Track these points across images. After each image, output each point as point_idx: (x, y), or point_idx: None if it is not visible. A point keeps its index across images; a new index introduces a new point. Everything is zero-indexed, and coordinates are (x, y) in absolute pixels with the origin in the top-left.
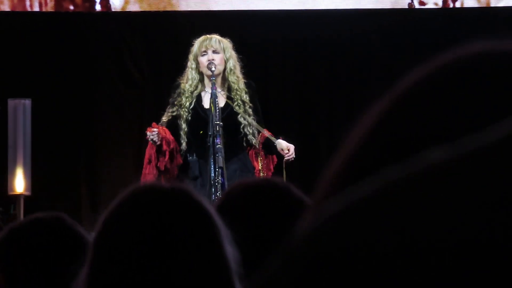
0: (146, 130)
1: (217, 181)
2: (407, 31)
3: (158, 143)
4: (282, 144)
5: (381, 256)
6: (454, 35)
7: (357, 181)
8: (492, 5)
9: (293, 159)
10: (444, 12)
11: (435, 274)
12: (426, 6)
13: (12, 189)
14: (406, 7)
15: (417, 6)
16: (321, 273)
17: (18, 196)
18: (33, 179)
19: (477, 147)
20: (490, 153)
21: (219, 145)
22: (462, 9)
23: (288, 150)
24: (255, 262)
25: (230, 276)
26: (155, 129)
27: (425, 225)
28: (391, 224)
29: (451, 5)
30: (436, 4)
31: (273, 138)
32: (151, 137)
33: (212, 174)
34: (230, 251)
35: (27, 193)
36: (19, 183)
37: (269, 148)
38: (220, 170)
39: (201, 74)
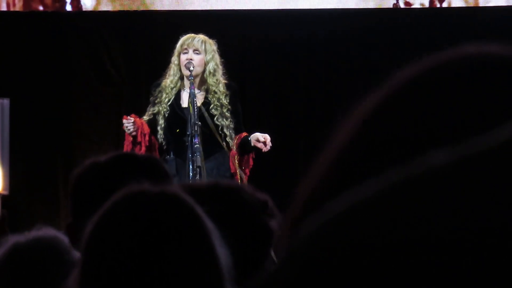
0: (123, 118)
1: (196, 180)
2: (391, 32)
3: (134, 133)
4: (257, 135)
5: (381, 256)
6: (441, 36)
7: (341, 185)
8: (481, 5)
9: (269, 148)
10: (430, 12)
11: (434, 273)
12: (412, 7)
13: None
14: (391, 7)
15: (402, 6)
16: (321, 272)
17: None
18: (11, 178)
19: (478, 151)
20: (491, 157)
21: (197, 145)
22: (449, 9)
23: (265, 139)
24: None
25: (222, 278)
26: (131, 118)
27: (425, 227)
28: (392, 225)
29: (438, 6)
30: (422, 5)
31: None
32: (126, 124)
33: (191, 174)
34: (222, 252)
35: (5, 192)
36: None
37: (243, 147)
38: (198, 169)
39: (181, 71)
